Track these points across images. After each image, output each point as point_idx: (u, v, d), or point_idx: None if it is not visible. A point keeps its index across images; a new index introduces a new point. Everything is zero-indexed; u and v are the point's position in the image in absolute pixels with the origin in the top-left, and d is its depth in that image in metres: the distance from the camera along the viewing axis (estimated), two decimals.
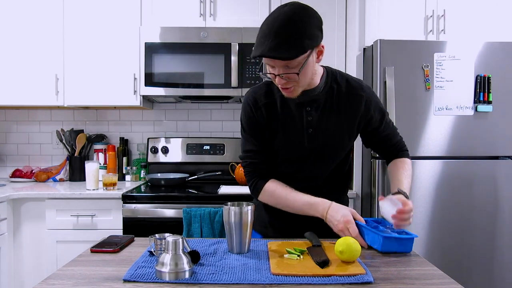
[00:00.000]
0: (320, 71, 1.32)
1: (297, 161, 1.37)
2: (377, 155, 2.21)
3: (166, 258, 0.97)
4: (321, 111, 1.32)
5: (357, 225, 1.25)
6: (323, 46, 1.21)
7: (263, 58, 1.16)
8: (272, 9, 2.64)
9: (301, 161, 1.37)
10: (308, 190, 1.34)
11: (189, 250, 1.07)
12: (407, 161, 1.44)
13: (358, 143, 2.46)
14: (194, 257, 1.06)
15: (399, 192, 1.29)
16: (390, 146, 1.46)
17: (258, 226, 1.46)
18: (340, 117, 1.33)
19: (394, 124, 1.51)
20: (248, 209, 1.17)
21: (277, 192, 1.33)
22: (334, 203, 1.26)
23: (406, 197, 1.27)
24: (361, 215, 2.51)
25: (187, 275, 0.97)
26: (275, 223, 1.45)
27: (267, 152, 1.36)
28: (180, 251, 0.98)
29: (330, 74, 1.34)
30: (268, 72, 1.21)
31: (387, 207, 1.25)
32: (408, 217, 1.21)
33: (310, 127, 1.32)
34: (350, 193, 2.41)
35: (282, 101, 1.32)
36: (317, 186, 1.39)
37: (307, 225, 1.33)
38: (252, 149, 1.36)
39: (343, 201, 1.46)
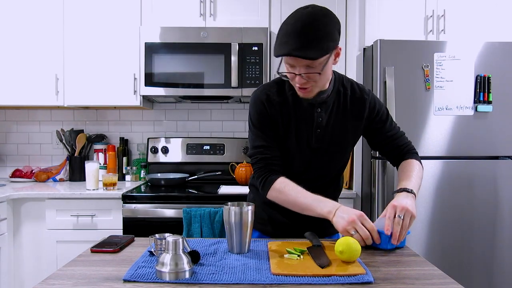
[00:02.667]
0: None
1: (303, 161, 1.38)
2: (377, 155, 2.21)
3: (166, 258, 0.97)
4: (330, 113, 1.35)
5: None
6: (340, 48, 1.24)
7: (283, 57, 1.19)
8: (272, 9, 2.67)
9: (307, 161, 1.38)
10: (312, 191, 1.35)
11: (189, 250, 1.07)
12: (415, 162, 1.40)
13: (358, 144, 2.46)
14: (194, 257, 1.06)
15: (402, 190, 1.28)
16: (397, 148, 1.44)
17: (257, 223, 1.45)
18: (345, 119, 1.36)
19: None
20: (248, 209, 1.17)
21: (287, 189, 1.29)
22: (343, 206, 1.26)
23: (412, 192, 1.26)
24: None
25: (187, 275, 0.97)
26: (274, 219, 1.45)
27: (278, 148, 1.36)
28: (180, 251, 0.98)
29: (337, 77, 1.37)
30: (287, 72, 1.22)
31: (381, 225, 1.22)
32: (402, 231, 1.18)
33: (318, 127, 1.35)
34: (350, 193, 2.41)
35: (294, 100, 1.34)
36: (320, 187, 1.40)
37: (306, 223, 1.35)
38: (263, 144, 1.34)
39: (336, 200, 1.51)
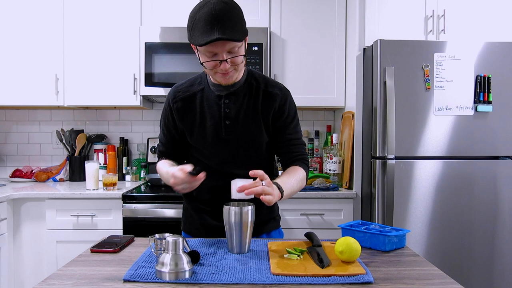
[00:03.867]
0: None
1: (215, 154, 1.39)
2: (377, 155, 2.21)
3: (166, 258, 0.97)
4: (240, 104, 1.36)
5: (354, 231, 1.27)
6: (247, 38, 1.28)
7: (205, 47, 1.18)
8: (272, 9, 2.67)
9: (220, 155, 1.38)
10: (228, 189, 1.32)
11: (189, 250, 1.07)
12: (301, 170, 1.37)
13: (358, 143, 2.46)
14: (194, 257, 1.06)
15: (274, 183, 1.21)
16: (290, 153, 1.41)
17: (192, 229, 1.50)
18: (257, 112, 1.37)
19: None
20: (248, 209, 1.17)
21: (159, 166, 1.41)
22: None
23: (281, 191, 1.20)
24: (361, 216, 2.52)
25: (187, 275, 0.97)
26: (205, 224, 1.46)
27: (177, 150, 1.46)
28: (180, 251, 0.98)
29: (250, 72, 1.40)
30: (211, 60, 1.21)
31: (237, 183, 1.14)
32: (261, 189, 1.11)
33: (227, 118, 1.35)
34: (350, 193, 2.41)
35: (202, 95, 1.38)
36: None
37: None
38: (164, 150, 1.47)
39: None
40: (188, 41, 1.25)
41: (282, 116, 1.39)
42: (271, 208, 1.50)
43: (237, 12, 1.20)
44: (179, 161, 1.46)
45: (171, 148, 1.47)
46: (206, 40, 1.15)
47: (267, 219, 1.48)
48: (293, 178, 1.31)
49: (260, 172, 1.14)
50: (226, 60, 1.21)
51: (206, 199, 1.44)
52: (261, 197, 1.11)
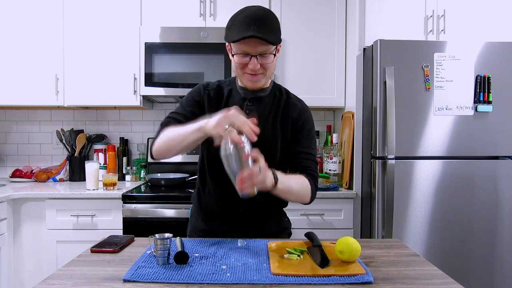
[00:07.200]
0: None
1: None
2: (377, 155, 2.21)
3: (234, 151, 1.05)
4: (261, 110, 1.38)
5: None
6: (280, 46, 1.34)
7: (238, 45, 1.24)
8: (272, 9, 2.67)
9: None
10: (244, 201, 1.21)
11: (179, 249, 1.07)
12: (304, 178, 1.34)
13: (358, 143, 2.47)
14: (182, 258, 1.05)
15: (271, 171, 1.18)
16: (299, 165, 1.39)
17: (194, 234, 1.50)
18: (276, 120, 1.40)
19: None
20: (244, 142, 1.08)
21: (171, 126, 1.29)
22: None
23: (276, 180, 1.17)
24: (361, 215, 2.52)
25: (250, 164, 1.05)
26: (209, 231, 1.45)
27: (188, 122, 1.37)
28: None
29: (276, 84, 1.47)
30: (241, 53, 1.25)
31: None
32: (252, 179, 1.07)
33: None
34: (350, 193, 2.41)
35: (229, 94, 1.42)
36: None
37: (243, 228, 1.40)
38: (180, 112, 1.38)
39: (282, 215, 1.53)
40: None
41: (297, 126, 1.41)
42: (280, 220, 1.52)
43: (275, 21, 1.27)
44: None
45: (185, 118, 1.35)
46: (241, 36, 1.21)
47: (276, 231, 1.48)
48: (293, 178, 1.30)
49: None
50: (256, 56, 1.25)
51: (216, 204, 1.43)
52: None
